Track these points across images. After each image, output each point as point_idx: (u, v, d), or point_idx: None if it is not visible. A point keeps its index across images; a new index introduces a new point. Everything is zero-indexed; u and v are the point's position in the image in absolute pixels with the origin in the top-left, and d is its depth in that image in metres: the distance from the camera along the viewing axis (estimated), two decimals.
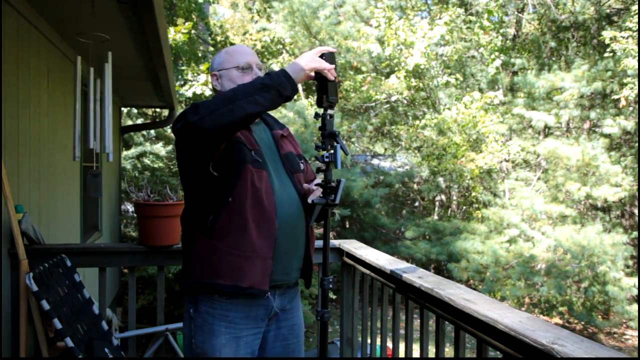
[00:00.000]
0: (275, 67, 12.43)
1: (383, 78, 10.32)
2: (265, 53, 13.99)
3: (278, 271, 1.66)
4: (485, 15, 10.10)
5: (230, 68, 1.76)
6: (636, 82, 8.00)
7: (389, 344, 2.52)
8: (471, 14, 10.60)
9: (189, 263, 1.67)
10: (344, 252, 2.67)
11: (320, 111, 1.75)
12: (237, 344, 1.63)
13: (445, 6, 10.38)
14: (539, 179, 9.32)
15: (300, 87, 12.30)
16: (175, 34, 10.50)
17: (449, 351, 4.46)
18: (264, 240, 1.60)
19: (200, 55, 12.84)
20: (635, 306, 7.24)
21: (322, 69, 1.58)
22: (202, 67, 12.44)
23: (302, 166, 1.84)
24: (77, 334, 2.41)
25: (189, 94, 11.71)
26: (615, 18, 9.84)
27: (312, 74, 1.59)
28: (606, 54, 8.52)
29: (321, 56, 1.62)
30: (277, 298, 1.72)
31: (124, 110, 10.56)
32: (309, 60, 1.57)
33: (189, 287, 1.67)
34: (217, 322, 1.61)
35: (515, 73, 10.30)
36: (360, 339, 2.61)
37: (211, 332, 1.61)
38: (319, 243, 2.70)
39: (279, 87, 1.52)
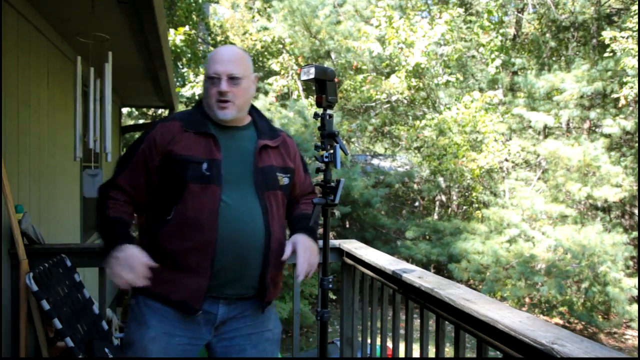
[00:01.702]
0: (276, 67, 12.43)
1: (383, 78, 10.32)
2: (265, 53, 13.99)
3: (219, 287, 1.58)
4: (485, 15, 10.10)
5: (205, 77, 1.66)
6: (636, 82, 7.99)
7: (389, 344, 2.51)
8: (471, 14, 10.60)
9: None
10: (344, 252, 2.67)
11: (320, 111, 1.75)
12: (168, 341, 1.57)
13: (445, 6, 10.38)
14: (539, 179, 9.32)
15: (300, 87, 12.29)
16: (175, 37, 10.51)
17: (449, 351, 4.45)
18: (200, 259, 1.54)
19: (200, 55, 12.83)
20: (635, 306, 7.23)
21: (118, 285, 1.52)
22: (202, 69, 12.44)
23: (285, 180, 1.70)
24: (77, 334, 2.41)
25: (190, 94, 11.71)
26: (615, 18, 9.84)
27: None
28: (606, 54, 8.52)
29: None
30: (222, 307, 1.62)
31: (124, 110, 10.56)
32: (112, 274, 1.51)
33: (134, 288, 1.63)
34: (151, 314, 1.58)
35: (515, 73, 10.30)
36: (360, 339, 2.61)
37: (143, 323, 1.59)
38: (318, 243, 2.70)
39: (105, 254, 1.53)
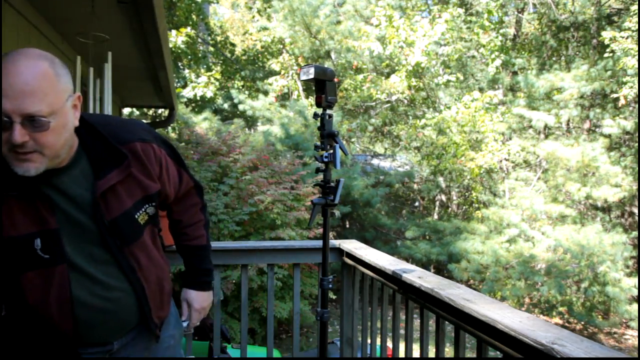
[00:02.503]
0: (276, 67, 12.44)
1: (383, 78, 10.32)
2: (265, 53, 14.00)
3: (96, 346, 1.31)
4: (485, 15, 10.11)
5: None
6: (635, 81, 8.00)
7: (389, 344, 2.51)
8: (471, 14, 10.60)
9: None
10: (344, 252, 2.67)
11: (319, 111, 1.75)
12: None
13: (445, 6, 10.38)
14: (539, 179, 9.32)
15: (300, 87, 12.29)
16: (177, 38, 10.52)
17: (449, 351, 4.46)
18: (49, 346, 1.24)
19: (200, 55, 12.84)
20: (635, 306, 7.23)
21: None
22: (202, 70, 12.46)
23: (150, 211, 1.31)
24: None
25: (191, 95, 11.73)
26: (615, 18, 9.84)
27: None
28: (606, 54, 8.53)
29: None
30: (116, 342, 1.34)
31: (125, 111, 10.56)
32: None
33: None
34: None
35: (515, 73, 10.30)
36: (360, 339, 2.61)
37: None
38: (318, 243, 2.70)
39: None
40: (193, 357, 2.62)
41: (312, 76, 1.72)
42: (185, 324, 1.61)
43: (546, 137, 9.76)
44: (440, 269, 8.92)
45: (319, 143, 1.74)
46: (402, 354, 2.19)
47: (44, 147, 1.08)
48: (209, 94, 11.85)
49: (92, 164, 1.21)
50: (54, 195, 1.17)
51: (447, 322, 1.74)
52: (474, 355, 1.72)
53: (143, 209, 1.29)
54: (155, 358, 1.45)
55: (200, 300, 1.62)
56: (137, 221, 1.28)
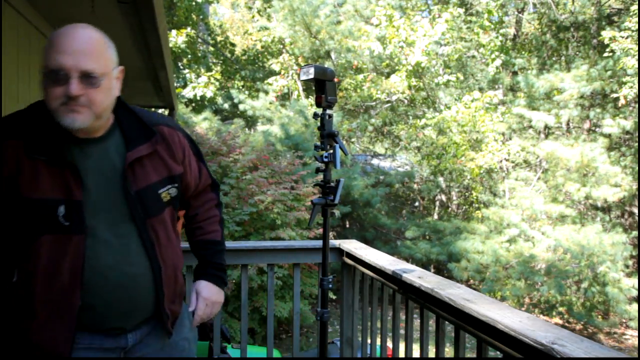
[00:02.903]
0: (276, 67, 12.44)
1: (383, 78, 10.32)
2: (265, 53, 14.00)
3: (110, 330, 1.31)
4: (485, 15, 10.11)
5: (44, 70, 1.18)
6: (635, 81, 8.00)
7: (389, 344, 2.51)
8: (471, 14, 10.60)
9: None
10: (344, 252, 2.67)
11: (319, 111, 1.76)
12: None
13: (445, 6, 10.39)
14: (539, 179, 9.32)
15: (300, 87, 12.29)
16: (177, 38, 10.52)
17: (449, 351, 4.46)
18: (60, 330, 1.23)
19: (200, 55, 12.84)
20: (635, 306, 7.23)
21: None
22: (202, 70, 12.45)
23: (172, 192, 1.39)
24: None
25: (191, 95, 11.73)
26: (615, 18, 9.84)
27: None
28: (606, 54, 8.53)
29: None
30: (131, 335, 1.35)
31: None
32: None
33: None
34: None
35: (515, 73, 10.30)
36: (360, 339, 2.61)
37: None
38: (318, 243, 2.70)
39: None
40: (193, 357, 2.62)
41: (312, 76, 1.72)
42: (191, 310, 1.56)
43: (546, 137, 9.77)
44: (440, 269, 8.92)
45: (319, 143, 1.75)
46: (402, 354, 2.19)
47: (93, 103, 1.19)
48: (209, 94, 11.85)
49: (125, 137, 1.31)
50: (84, 166, 1.24)
51: (447, 322, 1.74)
52: (474, 355, 1.72)
53: (166, 188, 1.36)
54: (170, 358, 1.45)
55: (209, 290, 1.52)
56: (160, 197, 1.34)
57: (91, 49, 1.19)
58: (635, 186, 8.40)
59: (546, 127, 9.54)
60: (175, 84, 8.54)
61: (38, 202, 1.19)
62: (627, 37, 8.15)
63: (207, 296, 1.52)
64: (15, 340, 1.25)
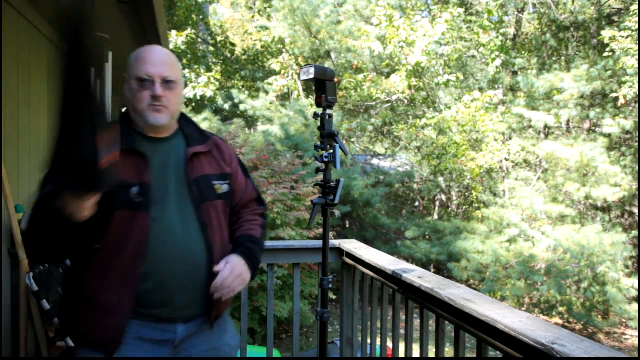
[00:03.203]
0: (276, 67, 12.45)
1: (383, 78, 10.32)
2: (265, 53, 14.00)
3: (169, 311, 1.49)
4: (485, 15, 10.11)
5: (132, 78, 1.51)
6: (635, 81, 7.99)
7: (389, 344, 2.52)
8: (471, 14, 10.60)
9: (67, 297, 1.59)
10: (344, 252, 2.67)
11: (320, 111, 1.76)
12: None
13: (445, 6, 10.39)
14: (539, 179, 9.32)
15: (300, 86, 12.30)
16: (177, 39, 10.52)
17: (449, 351, 4.46)
18: (123, 293, 1.43)
19: (200, 55, 12.84)
20: (634, 306, 7.23)
21: None
22: (202, 70, 12.45)
23: (224, 188, 1.61)
24: None
25: (191, 95, 11.72)
26: (615, 18, 9.84)
27: None
28: (606, 54, 8.53)
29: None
30: (180, 326, 1.51)
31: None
32: None
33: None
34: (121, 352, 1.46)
35: (515, 73, 10.29)
36: (360, 339, 2.61)
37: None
38: (318, 243, 2.70)
39: None
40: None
41: (312, 76, 1.72)
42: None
43: (546, 137, 9.76)
44: (440, 269, 8.92)
45: (319, 143, 1.75)
46: (402, 354, 2.20)
47: (170, 104, 1.52)
48: (209, 94, 11.85)
49: (186, 138, 1.61)
50: (153, 157, 1.51)
51: (447, 322, 1.74)
52: (474, 355, 1.72)
53: (219, 182, 1.61)
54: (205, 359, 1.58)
55: (238, 262, 1.55)
56: (214, 188, 1.59)
57: (169, 61, 1.54)
58: (635, 186, 8.39)
59: (546, 127, 9.54)
60: None
61: (119, 184, 1.41)
62: (627, 37, 8.15)
63: (235, 264, 1.55)
64: (86, 298, 1.45)
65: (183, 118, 1.66)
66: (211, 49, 14.20)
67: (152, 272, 1.45)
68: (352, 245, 2.66)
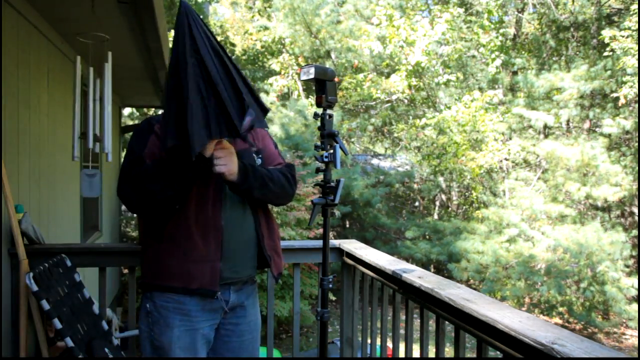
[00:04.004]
0: (276, 67, 12.44)
1: (383, 77, 10.32)
2: (265, 53, 14.00)
3: (227, 270, 1.69)
4: (485, 15, 10.10)
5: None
6: (635, 80, 7.99)
7: (389, 344, 2.52)
8: (471, 14, 10.60)
9: (143, 265, 1.75)
10: (344, 252, 2.67)
11: (320, 111, 1.75)
12: (193, 336, 1.68)
13: (445, 6, 10.39)
14: (539, 178, 9.32)
15: (300, 86, 12.30)
16: None
17: (449, 351, 4.46)
18: (210, 246, 1.65)
19: None
20: (634, 306, 7.23)
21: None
22: None
23: (259, 162, 1.83)
24: (77, 334, 2.41)
25: None
26: (615, 18, 9.84)
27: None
28: (605, 53, 8.53)
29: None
30: (233, 294, 1.75)
31: (125, 111, 10.54)
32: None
33: (144, 287, 1.74)
34: (172, 316, 1.66)
35: (515, 73, 10.29)
36: (360, 339, 2.61)
37: (167, 325, 1.67)
38: (318, 243, 2.70)
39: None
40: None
41: (312, 76, 1.72)
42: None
43: (546, 136, 9.76)
44: (440, 269, 8.92)
45: (319, 143, 1.74)
46: (402, 354, 2.19)
47: None
48: None
49: None
50: None
51: (447, 322, 1.74)
52: (474, 355, 1.72)
53: (255, 155, 1.81)
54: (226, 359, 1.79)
55: (234, 156, 1.64)
56: (254, 159, 1.79)
57: None
58: (635, 186, 8.39)
59: (546, 126, 9.53)
60: None
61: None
62: (627, 37, 8.15)
63: (232, 152, 1.64)
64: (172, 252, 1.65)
65: None
66: None
67: (226, 230, 1.68)
68: (352, 245, 2.66)
